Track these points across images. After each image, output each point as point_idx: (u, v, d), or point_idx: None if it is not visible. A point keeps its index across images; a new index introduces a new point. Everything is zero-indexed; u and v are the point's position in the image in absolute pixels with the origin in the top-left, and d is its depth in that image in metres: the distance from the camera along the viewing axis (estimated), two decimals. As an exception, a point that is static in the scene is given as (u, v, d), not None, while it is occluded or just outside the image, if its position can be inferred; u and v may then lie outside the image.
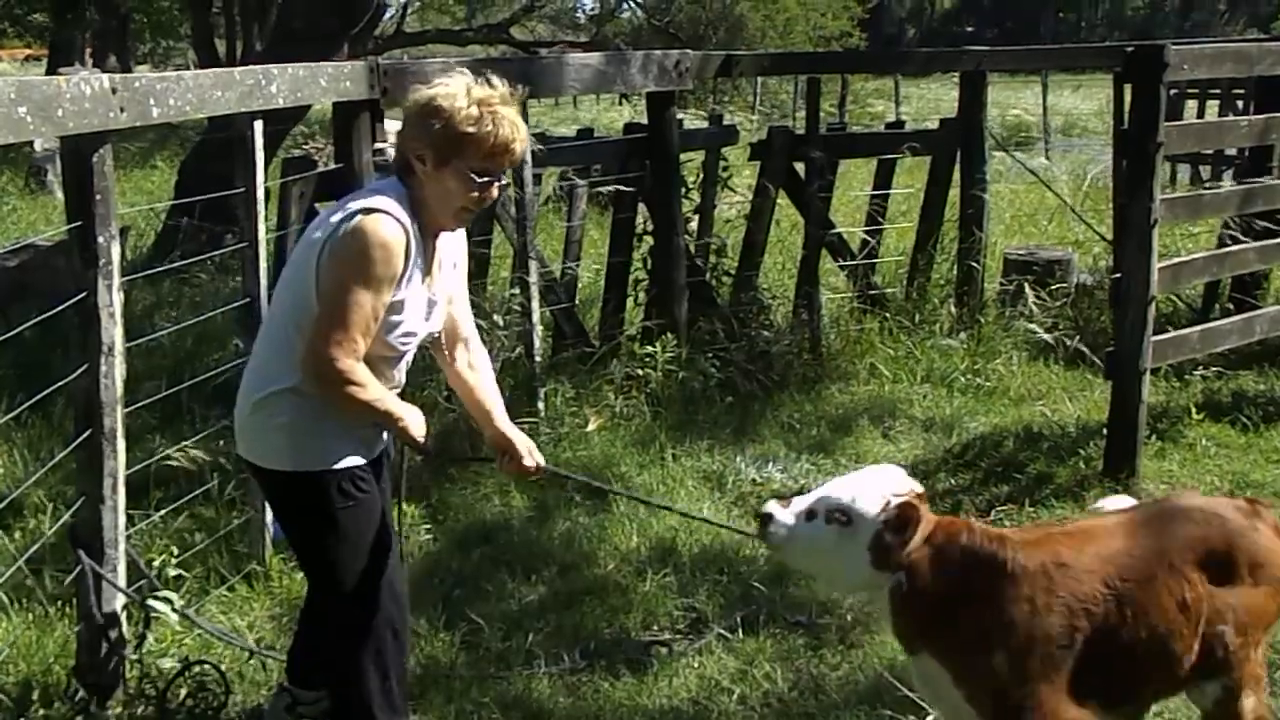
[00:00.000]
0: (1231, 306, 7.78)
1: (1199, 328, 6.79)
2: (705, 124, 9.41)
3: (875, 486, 2.94)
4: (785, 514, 2.96)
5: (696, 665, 4.36)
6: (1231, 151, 11.39)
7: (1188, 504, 3.21)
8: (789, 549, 2.99)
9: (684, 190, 7.32)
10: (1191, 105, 14.99)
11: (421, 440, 3.41)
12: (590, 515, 5.49)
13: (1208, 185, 11.20)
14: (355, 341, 3.14)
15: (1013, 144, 16.03)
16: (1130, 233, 5.80)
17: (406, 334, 3.31)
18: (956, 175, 8.03)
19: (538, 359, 6.47)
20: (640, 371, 6.69)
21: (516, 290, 6.51)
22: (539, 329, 6.53)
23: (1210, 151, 12.35)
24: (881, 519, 2.89)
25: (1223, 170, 11.77)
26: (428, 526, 5.35)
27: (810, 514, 2.94)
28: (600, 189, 7.52)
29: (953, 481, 5.88)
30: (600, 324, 7.27)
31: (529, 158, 6.40)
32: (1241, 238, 6.99)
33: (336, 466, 3.33)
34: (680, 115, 7.65)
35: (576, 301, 7.34)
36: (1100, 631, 2.90)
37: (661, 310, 7.07)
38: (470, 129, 3.18)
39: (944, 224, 8.10)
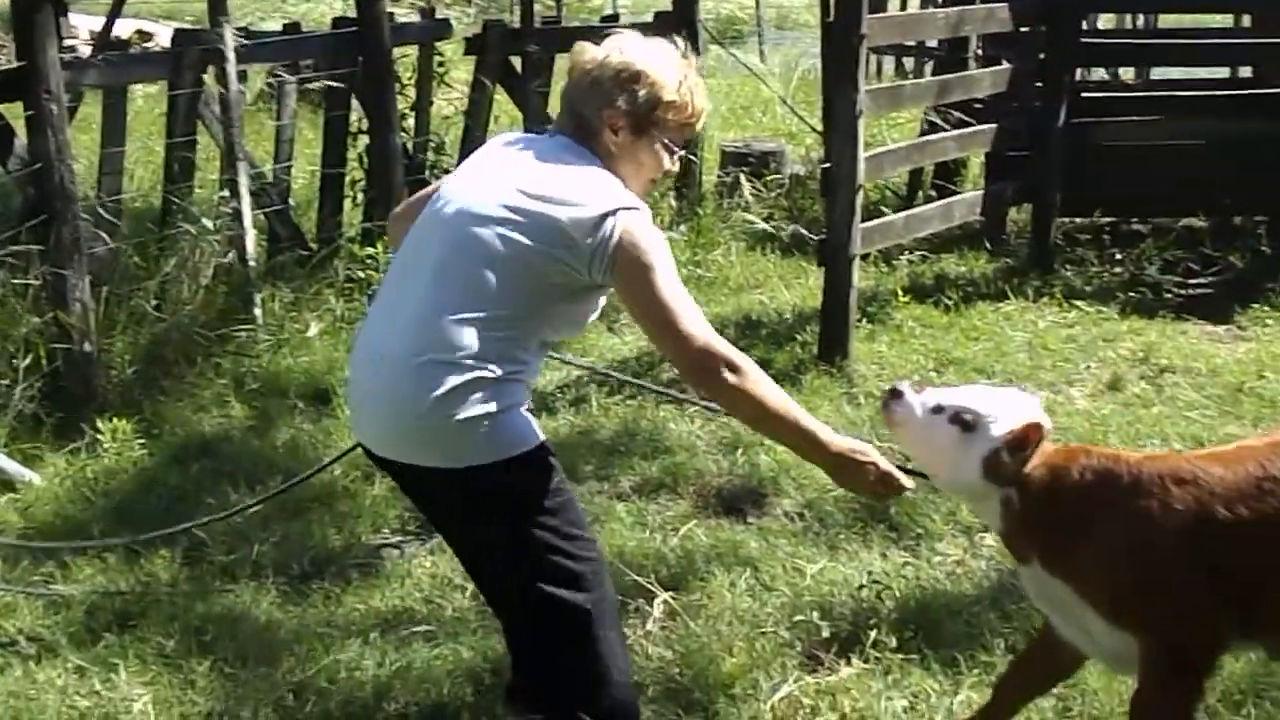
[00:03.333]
0: (934, 193, 8.14)
1: (904, 214, 7.09)
2: (417, 18, 9.18)
3: (1008, 405, 2.94)
4: (914, 398, 2.96)
5: (429, 565, 4.35)
6: (933, 43, 11.83)
7: None
8: (904, 432, 2.99)
9: (398, 87, 7.14)
10: (895, -1, 15.47)
11: (891, 491, 2.98)
12: (314, 422, 5.38)
13: (910, 77, 11.64)
14: (700, 322, 2.82)
15: (727, 38, 16.26)
16: (837, 124, 5.99)
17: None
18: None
19: (252, 264, 6.26)
20: (362, 274, 6.54)
21: (226, 193, 6.26)
22: (252, 233, 6.31)
23: (914, 44, 12.79)
24: (1003, 437, 2.88)
25: (924, 62, 12.21)
26: (142, 441, 5.13)
27: (938, 408, 2.93)
28: (310, 86, 7.27)
29: (675, 371, 5.99)
30: (318, 226, 7.06)
31: (232, 54, 6.12)
32: (943, 126, 7.31)
33: (542, 438, 2.93)
34: (391, 9, 7.43)
35: (291, 203, 7.10)
36: (1227, 554, 2.84)
37: (381, 211, 6.90)
38: (673, 97, 2.95)
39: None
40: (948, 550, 4.40)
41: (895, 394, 2.98)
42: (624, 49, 2.97)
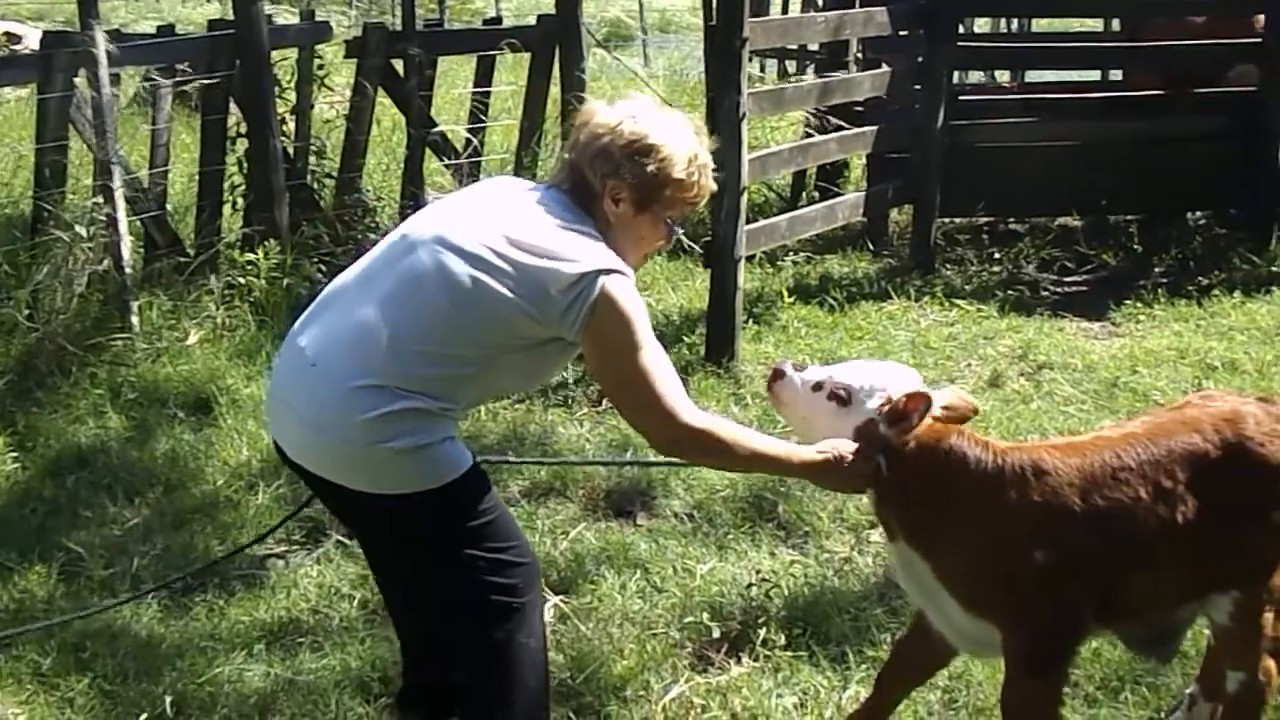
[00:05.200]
0: (817, 195, 8.23)
1: (787, 216, 7.16)
2: (296, 20, 9.05)
3: (884, 380, 3.04)
4: (796, 376, 3.09)
5: (315, 575, 4.30)
6: (815, 47, 11.96)
7: (1198, 414, 3.10)
8: (788, 410, 3.13)
9: (278, 90, 7.04)
10: (778, 2, 15.62)
11: (865, 477, 3.00)
12: (195, 431, 5.28)
13: (792, 79, 11.75)
14: (678, 396, 2.83)
15: (612, 42, 16.28)
16: (720, 126, 6.01)
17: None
18: (558, 73, 8.07)
19: (128, 271, 6.11)
20: (242, 280, 6.43)
21: (100, 199, 6.10)
22: (128, 239, 6.16)
23: (795, 47, 12.92)
24: (877, 409, 2.98)
25: (806, 65, 12.33)
26: (15, 454, 5.00)
27: (817, 385, 3.06)
28: (187, 89, 7.12)
29: (564, 374, 5.97)
30: (196, 232, 6.92)
31: (104, 57, 5.98)
32: (815, 132, 7.39)
33: (472, 463, 2.87)
34: (269, 11, 7.31)
35: (168, 209, 6.95)
36: (1081, 544, 2.92)
37: (261, 216, 6.80)
38: (681, 176, 2.89)
39: (546, 121, 8.14)
40: (835, 547, 4.45)
41: (778, 374, 3.13)
42: (638, 118, 2.91)
